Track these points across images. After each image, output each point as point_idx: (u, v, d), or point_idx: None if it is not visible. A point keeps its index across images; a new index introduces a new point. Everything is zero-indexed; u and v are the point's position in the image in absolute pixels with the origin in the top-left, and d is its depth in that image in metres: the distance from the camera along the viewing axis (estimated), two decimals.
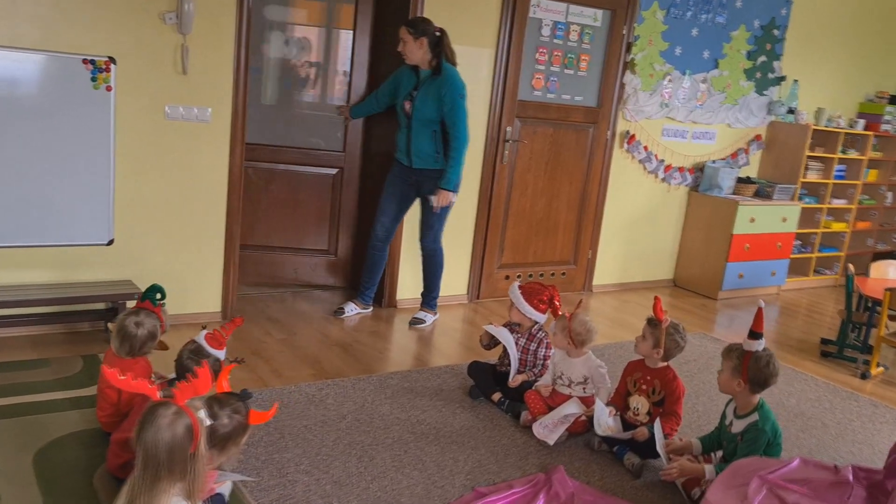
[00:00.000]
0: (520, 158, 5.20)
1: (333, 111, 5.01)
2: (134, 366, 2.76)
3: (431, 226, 4.51)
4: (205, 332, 2.72)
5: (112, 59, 3.72)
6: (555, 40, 5.14)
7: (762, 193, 6.19)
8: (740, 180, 6.14)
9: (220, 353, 2.71)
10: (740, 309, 5.88)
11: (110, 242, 3.91)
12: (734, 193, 6.10)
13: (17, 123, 3.58)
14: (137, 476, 1.91)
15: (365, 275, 4.71)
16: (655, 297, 3.29)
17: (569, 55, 5.22)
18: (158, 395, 2.00)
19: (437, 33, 4.21)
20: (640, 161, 5.80)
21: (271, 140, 4.97)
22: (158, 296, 2.87)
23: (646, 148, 5.77)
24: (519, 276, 5.43)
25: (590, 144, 5.51)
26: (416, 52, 4.19)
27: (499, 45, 4.89)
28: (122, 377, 2.05)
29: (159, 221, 4.03)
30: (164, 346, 2.88)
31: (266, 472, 2.78)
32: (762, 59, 6.17)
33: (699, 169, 6.15)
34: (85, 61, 3.66)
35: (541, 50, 5.10)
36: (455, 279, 5.15)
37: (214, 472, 2.30)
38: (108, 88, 3.74)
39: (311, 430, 3.14)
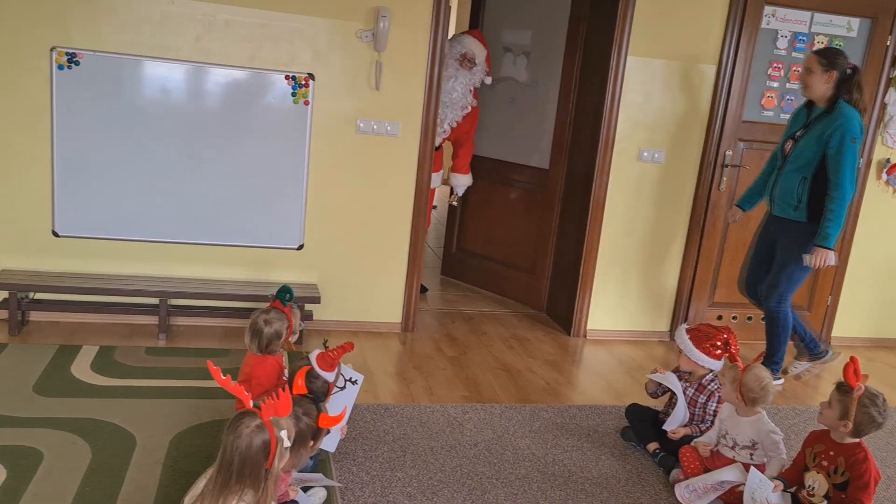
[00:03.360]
0: (742, 186, 4.62)
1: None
2: (264, 362, 2.87)
3: (776, 285, 3.92)
4: (317, 351, 2.74)
5: (311, 76, 3.96)
6: (794, 53, 4.51)
7: None
8: None
9: (329, 376, 2.70)
10: None
11: (300, 247, 4.16)
12: None
13: (225, 133, 3.96)
14: (212, 475, 1.98)
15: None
16: (851, 357, 2.70)
17: None
18: (250, 404, 2.04)
19: (850, 70, 3.73)
20: None
21: (495, 154, 5.20)
22: (287, 296, 2.96)
23: None
24: (735, 318, 4.84)
25: None
26: (819, 85, 3.72)
27: (722, 60, 4.41)
28: (223, 376, 2.12)
29: (346, 231, 4.20)
30: (289, 347, 2.96)
31: (370, 487, 2.73)
32: None
33: None
34: (287, 77, 3.94)
35: (775, 65, 4.51)
36: (657, 314, 4.74)
37: (287, 475, 2.30)
38: (306, 103, 3.99)
39: (436, 453, 3.03)
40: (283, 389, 2.00)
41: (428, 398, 3.58)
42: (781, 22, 4.45)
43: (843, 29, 4.53)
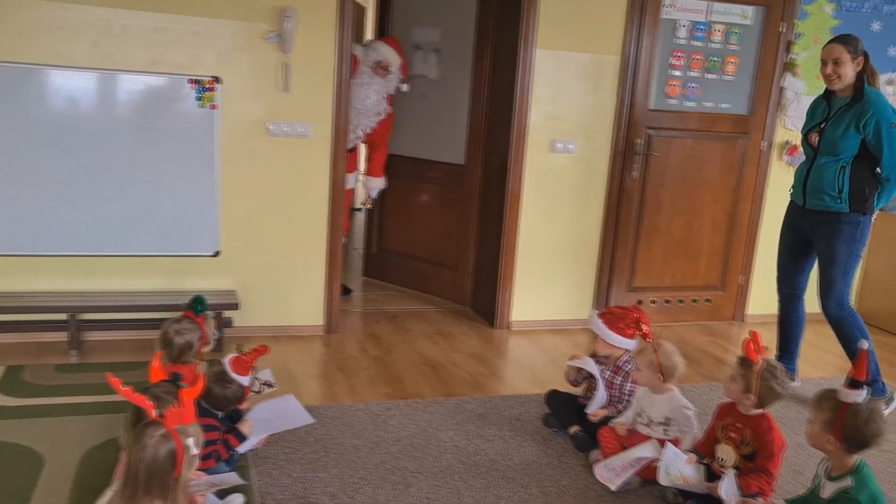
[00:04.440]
0: (652, 173, 4.76)
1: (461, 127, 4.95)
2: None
3: (834, 281, 3.68)
4: (231, 356, 2.71)
5: (217, 79, 3.90)
6: (693, 42, 4.66)
7: None
8: None
9: (245, 380, 2.67)
10: None
11: (216, 254, 4.09)
12: None
13: (131, 141, 3.86)
14: (119, 488, 1.93)
15: (779, 341, 4.07)
16: (751, 332, 2.80)
17: (711, 58, 4.71)
18: (154, 413, 1.99)
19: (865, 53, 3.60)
20: None
21: (411, 152, 5.19)
22: (200, 307, 2.91)
23: None
24: (654, 302, 4.97)
25: (740, 157, 4.93)
26: (851, 73, 3.55)
27: (625, 51, 4.52)
28: (124, 387, 2.07)
29: (263, 235, 4.15)
30: (202, 358, 2.91)
31: (291, 490, 2.70)
32: None
33: None
34: (191, 81, 3.87)
35: (676, 54, 4.65)
36: (578, 302, 4.82)
37: (199, 473, 2.27)
38: (213, 107, 3.92)
39: (359, 451, 3.02)
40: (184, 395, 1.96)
41: (351, 398, 3.56)
42: (680, 12, 4.59)
43: (739, 17, 4.70)
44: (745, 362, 2.74)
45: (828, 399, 2.39)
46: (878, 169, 3.60)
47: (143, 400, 1.99)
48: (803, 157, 4.98)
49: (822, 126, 3.67)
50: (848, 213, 3.64)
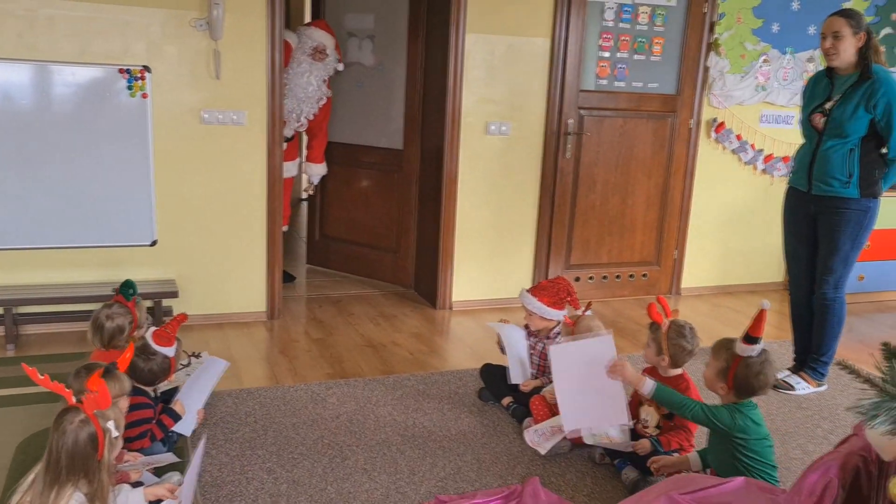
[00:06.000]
0: (585, 152, 4.89)
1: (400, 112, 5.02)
2: (108, 357, 2.82)
3: (833, 269, 3.56)
4: (152, 329, 2.74)
5: (147, 68, 3.90)
6: (621, 24, 4.79)
7: None
8: None
9: (169, 351, 2.70)
10: (860, 316, 5.16)
11: (154, 243, 4.10)
12: None
13: (62, 133, 3.84)
14: (40, 472, 1.97)
15: (799, 345, 3.88)
16: (658, 298, 2.91)
17: (638, 39, 4.85)
18: (73, 399, 2.03)
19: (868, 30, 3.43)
20: (733, 151, 5.26)
21: (349, 139, 5.24)
22: (130, 291, 2.94)
23: (738, 137, 5.23)
24: (591, 279, 5.11)
25: (669, 135, 5.08)
26: (851, 49, 3.38)
27: (555, 33, 4.63)
28: (41, 376, 2.10)
29: (201, 223, 4.17)
30: (134, 342, 2.93)
31: (229, 468, 2.76)
32: (887, 31, 5.42)
33: None
34: (121, 71, 3.87)
35: (604, 36, 4.77)
36: (518, 280, 4.93)
37: (129, 453, 2.31)
38: (144, 96, 3.93)
39: (297, 428, 3.08)
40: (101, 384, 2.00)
41: (292, 379, 3.61)
42: None
43: None
44: (654, 326, 2.87)
45: (725, 350, 2.56)
46: (883, 150, 3.45)
47: (60, 388, 2.03)
48: (732, 133, 5.23)
49: (825, 106, 3.50)
50: (858, 200, 3.47)
